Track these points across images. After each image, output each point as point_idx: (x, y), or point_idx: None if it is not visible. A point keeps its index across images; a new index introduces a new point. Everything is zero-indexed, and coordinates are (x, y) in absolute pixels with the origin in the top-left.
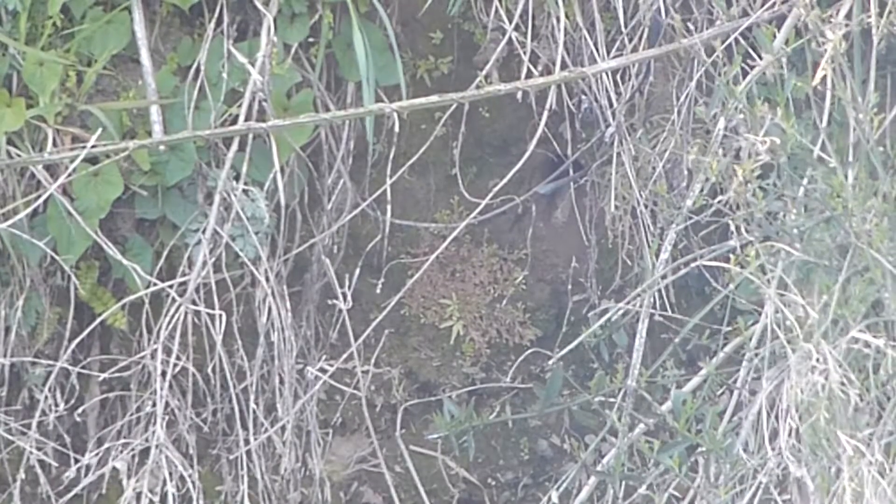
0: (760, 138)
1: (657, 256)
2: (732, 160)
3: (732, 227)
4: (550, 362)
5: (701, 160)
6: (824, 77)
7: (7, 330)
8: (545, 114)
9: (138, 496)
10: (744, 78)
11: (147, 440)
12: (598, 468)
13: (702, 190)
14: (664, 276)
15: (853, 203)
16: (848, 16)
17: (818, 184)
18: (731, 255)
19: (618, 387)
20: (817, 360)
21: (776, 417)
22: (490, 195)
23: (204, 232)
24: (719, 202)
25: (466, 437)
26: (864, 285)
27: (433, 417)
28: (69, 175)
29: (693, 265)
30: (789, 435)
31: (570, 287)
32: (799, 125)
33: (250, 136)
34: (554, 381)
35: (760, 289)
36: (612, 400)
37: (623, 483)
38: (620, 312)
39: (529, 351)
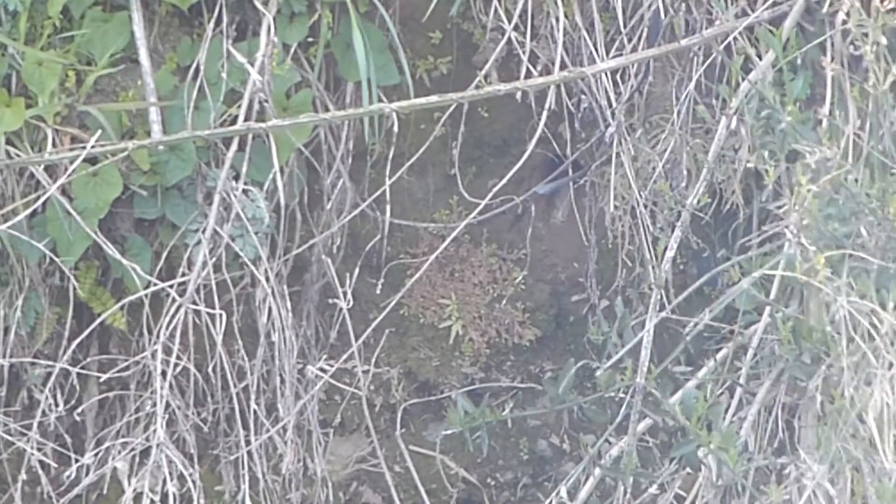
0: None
1: (663, 254)
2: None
3: (788, 235)
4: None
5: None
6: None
7: (6, 330)
8: (544, 114)
9: (138, 496)
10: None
11: (147, 439)
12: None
13: (703, 189)
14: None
15: None
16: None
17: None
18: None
19: (627, 384)
20: None
21: (775, 418)
22: (490, 195)
23: (204, 232)
24: (778, 208)
25: (480, 432)
26: None
27: (433, 417)
28: (68, 175)
29: (751, 276)
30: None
31: (569, 287)
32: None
33: (250, 136)
34: (564, 378)
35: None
36: (612, 398)
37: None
38: (628, 310)
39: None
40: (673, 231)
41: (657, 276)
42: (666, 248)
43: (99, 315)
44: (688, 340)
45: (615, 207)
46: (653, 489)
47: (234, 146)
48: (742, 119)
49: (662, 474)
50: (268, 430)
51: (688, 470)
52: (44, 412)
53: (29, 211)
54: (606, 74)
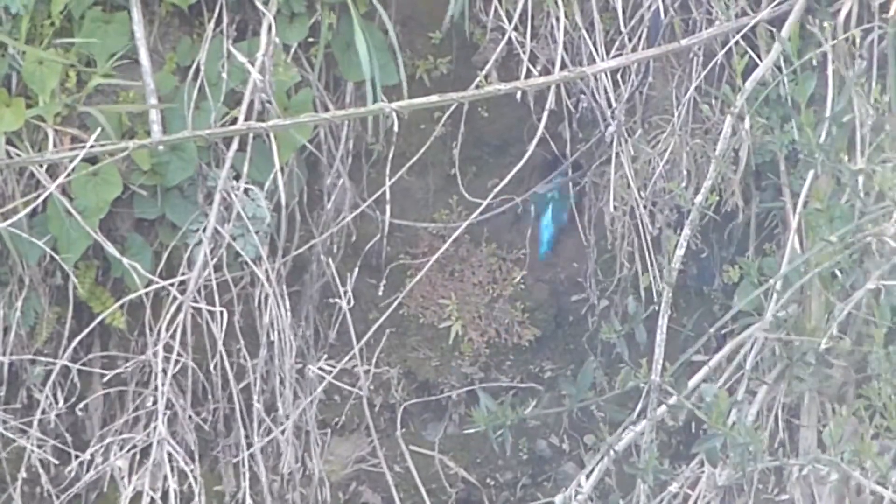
0: None
1: (673, 252)
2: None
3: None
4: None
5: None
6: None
7: (6, 329)
8: (544, 114)
9: (138, 494)
10: (743, 79)
11: (148, 436)
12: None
13: (712, 188)
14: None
15: None
16: (848, 16)
17: None
18: None
19: (643, 381)
20: None
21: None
22: (490, 196)
23: (205, 231)
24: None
25: (503, 430)
26: None
27: (433, 417)
28: (68, 175)
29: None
30: None
31: (569, 287)
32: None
33: (250, 136)
34: (585, 377)
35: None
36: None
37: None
38: (635, 309)
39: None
40: (678, 230)
41: (667, 275)
42: (676, 246)
43: (99, 314)
44: (702, 342)
45: (615, 208)
46: (673, 488)
47: (235, 146)
48: (742, 118)
49: (685, 472)
50: (268, 431)
51: (691, 467)
52: (43, 411)
53: (29, 210)
54: (606, 74)
